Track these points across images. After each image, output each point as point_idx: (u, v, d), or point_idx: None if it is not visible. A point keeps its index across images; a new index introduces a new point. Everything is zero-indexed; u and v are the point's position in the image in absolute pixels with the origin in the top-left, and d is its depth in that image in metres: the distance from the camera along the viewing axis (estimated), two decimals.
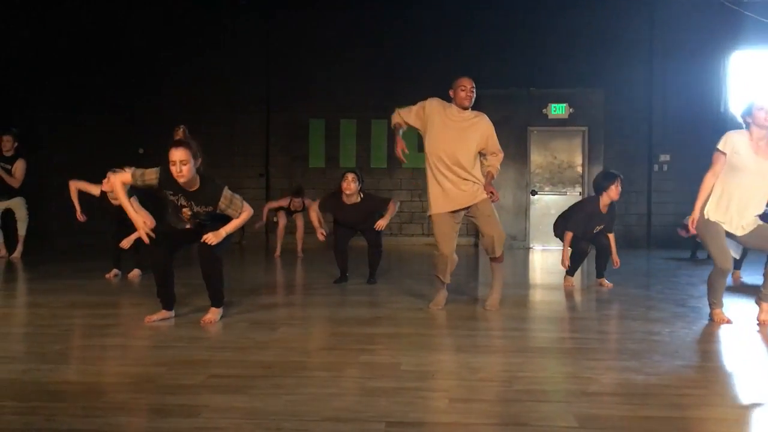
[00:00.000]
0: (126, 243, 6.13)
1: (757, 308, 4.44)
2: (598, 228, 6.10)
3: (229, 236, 4.14)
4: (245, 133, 11.87)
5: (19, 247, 8.01)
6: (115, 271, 6.44)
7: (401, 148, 4.72)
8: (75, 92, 11.22)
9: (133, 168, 4.15)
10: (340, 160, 11.72)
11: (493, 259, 4.87)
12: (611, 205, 6.09)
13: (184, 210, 4.09)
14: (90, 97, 11.25)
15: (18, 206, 8.02)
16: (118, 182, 4.09)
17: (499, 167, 4.82)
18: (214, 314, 4.26)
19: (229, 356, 3.38)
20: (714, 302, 4.41)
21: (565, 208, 6.53)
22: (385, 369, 3.13)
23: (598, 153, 11.22)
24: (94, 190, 6.38)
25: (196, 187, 4.02)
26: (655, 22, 11.39)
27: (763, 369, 3.34)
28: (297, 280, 6.98)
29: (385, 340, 3.82)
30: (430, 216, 4.81)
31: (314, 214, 6.32)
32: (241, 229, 4.28)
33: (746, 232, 4.27)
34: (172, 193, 4.02)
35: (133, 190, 4.19)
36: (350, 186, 6.03)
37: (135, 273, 6.45)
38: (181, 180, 3.91)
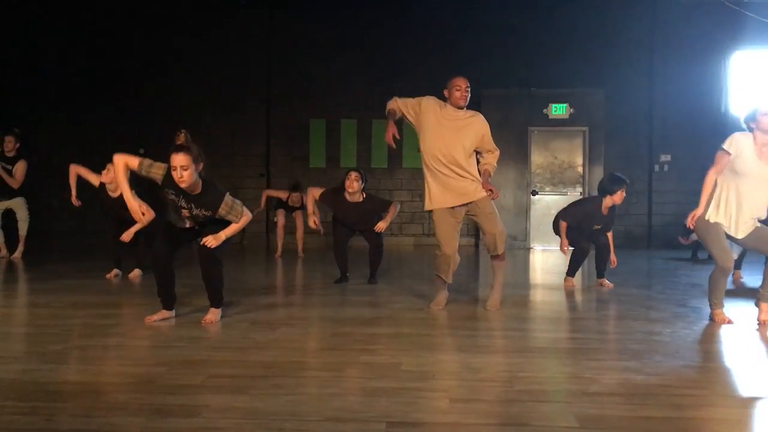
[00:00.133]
0: (126, 236, 6.12)
1: (757, 309, 4.44)
2: (596, 227, 6.11)
3: (228, 238, 4.14)
4: (246, 133, 11.87)
5: (20, 247, 8.01)
6: (115, 271, 6.44)
7: (393, 132, 4.70)
8: (75, 93, 11.23)
9: (141, 157, 4.09)
10: (341, 160, 11.73)
11: (494, 258, 4.87)
12: (612, 207, 6.10)
13: (184, 211, 4.09)
14: (91, 98, 11.25)
15: (19, 206, 8.02)
16: (121, 163, 3.98)
17: (495, 164, 4.86)
18: (214, 314, 4.26)
19: (230, 356, 3.38)
20: (715, 302, 4.41)
21: None
22: (386, 369, 3.13)
23: (599, 153, 11.21)
24: (94, 179, 6.38)
25: (198, 191, 4.02)
26: (656, 22, 11.39)
27: (764, 369, 3.34)
28: (297, 281, 6.98)
29: (385, 340, 3.82)
30: (431, 215, 4.81)
31: (311, 200, 6.28)
32: (242, 230, 4.29)
33: (746, 234, 4.28)
34: (173, 193, 4.02)
35: (132, 184, 4.16)
36: (353, 185, 6.04)
37: (135, 273, 6.45)
38: (182, 185, 3.91)
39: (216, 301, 4.29)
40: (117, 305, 4.98)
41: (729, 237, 4.33)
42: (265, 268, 8.34)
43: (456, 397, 2.73)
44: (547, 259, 9.43)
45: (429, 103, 4.76)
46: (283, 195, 9.18)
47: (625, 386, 2.90)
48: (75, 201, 6.65)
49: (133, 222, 5.94)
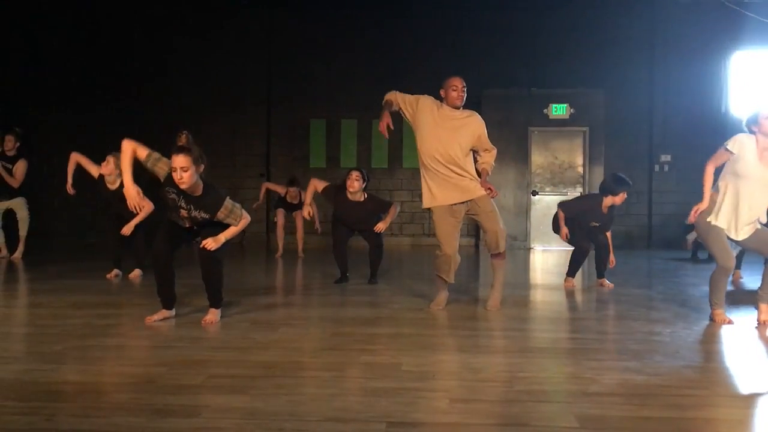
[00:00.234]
0: (127, 229, 6.15)
1: (756, 309, 4.44)
2: (593, 224, 6.12)
3: (228, 240, 4.15)
4: (246, 133, 11.87)
5: (21, 248, 8.00)
6: (115, 271, 6.44)
7: (387, 122, 4.68)
8: (75, 93, 11.23)
9: (150, 150, 4.08)
10: (341, 160, 11.73)
11: (495, 256, 4.87)
12: (612, 207, 6.13)
13: (182, 211, 4.09)
14: (91, 98, 11.26)
15: (19, 206, 8.02)
16: (129, 148, 3.98)
17: (493, 163, 4.87)
18: (213, 315, 4.26)
19: (230, 356, 3.38)
20: (716, 302, 4.41)
21: None
22: (386, 369, 3.13)
23: (599, 153, 11.21)
24: (94, 170, 6.38)
25: (199, 193, 4.03)
26: (656, 22, 11.40)
27: (764, 369, 3.34)
28: (297, 281, 6.98)
29: (385, 340, 3.82)
30: (431, 215, 4.81)
31: (312, 190, 6.20)
32: (242, 230, 4.29)
33: (746, 236, 4.29)
34: (174, 192, 4.02)
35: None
36: (353, 184, 6.04)
37: (136, 273, 6.45)
38: (182, 186, 3.92)
39: (215, 302, 4.29)
40: (117, 305, 4.98)
41: (729, 238, 4.34)
42: (266, 268, 8.34)
43: (456, 398, 2.73)
44: (547, 260, 9.43)
45: (426, 102, 4.76)
46: (281, 189, 9.19)
47: (625, 386, 2.90)
48: (70, 189, 6.62)
49: (131, 217, 5.97)
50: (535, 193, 11.43)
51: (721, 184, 4.32)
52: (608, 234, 6.25)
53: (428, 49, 11.34)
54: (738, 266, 6.73)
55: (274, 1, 11.57)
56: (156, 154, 4.03)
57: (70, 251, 9.06)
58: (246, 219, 4.16)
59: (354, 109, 11.59)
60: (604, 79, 11.25)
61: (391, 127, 4.68)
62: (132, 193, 4.02)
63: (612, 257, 6.25)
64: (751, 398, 2.84)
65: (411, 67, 11.12)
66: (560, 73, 11.28)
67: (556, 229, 6.28)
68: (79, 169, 6.53)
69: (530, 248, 11.31)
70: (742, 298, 5.46)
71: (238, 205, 4.15)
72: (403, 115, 4.84)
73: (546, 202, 11.33)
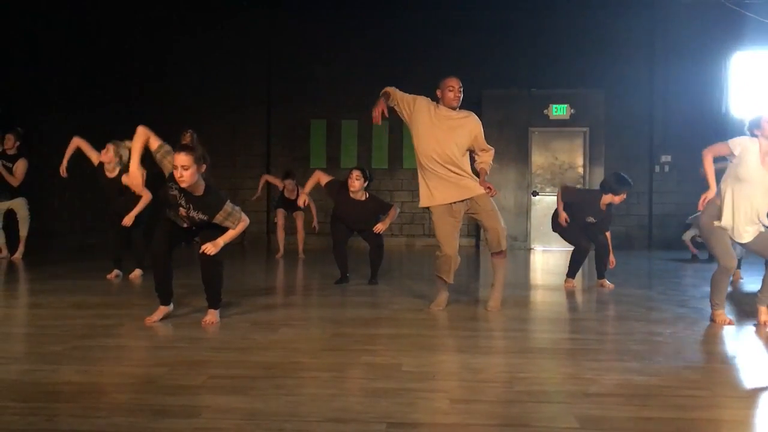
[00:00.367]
0: (128, 220, 6.19)
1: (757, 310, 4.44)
2: (589, 219, 6.11)
3: (227, 244, 4.16)
4: (246, 133, 11.88)
5: (21, 248, 8.00)
6: (116, 271, 6.44)
7: (382, 109, 4.67)
8: (75, 93, 11.23)
9: (163, 142, 4.11)
10: (342, 160, 11.73)
11: (496, 255, 4.86)
12: (609, 205, 6.13)
13: (181, 210, 4.09)
14: (91, 98, 11.25)
15: (20, 207, 8.02)
16: (144, 135, 4.03)
17: (491, 162, 4.88)
18: (213, 315, 4.26)
19: (230, 357, 3.38)
20: (717, 303, 4.41)
21: None
22: (386, 370, 3.13)
23: (599, 154, 11.21)
24: (94, 157, 6.42)
25: (200, 193, 4.03)
26: (656, 22, 11.40)
27: (765, 370, 3.34)
28: (298, 281, 6.98)
29: (386, 340, 3.82)
30: (431, 215, 4.81)
31: (313, 181, 6.15)
32: (243, 231, 4.29)
33: (750, 239, 4.29)
34: (177, 188, 4.03)
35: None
36: (354, 184, 6.04)
37: (136, 273, 6.46)
38: (182, 184, 3.92)
39: (214, 302, 4.29)
40: (117, 306, 4.98)
41: (732, 242, 4.35)
42: (266, 268, 8.35)
43: (456, 398, 2.73)
44: (547, 260, 9.43)
45: (422, 103, 4.77)
46: (279, 183, 9.22)
47: (625, 387, 2.90)
48: (63, 171, 6.63)
49: (128, 211, 6.09)
50: (535, 194, 11.44)
51: (722, 187, 4.31)
52: (608, 234, 6.25)
53: (428, 49, 11.34)
54: (738, 266, 6.72)
55: (274, 1, 11.58)
56: (167, 146, 4.09)
57: (70, 251, 9.06)
58: (245, 222, 4.15)
59: (354, 109, 11.58)
60: (604, 80, 11.26)
61: (386, 114, 4.69)
62: (137, 175, 4.06)
63: (612, 257, 6.26)
64: (752, 399, 2.84)
65: (411, 67, 11.12)
66: (560, 73, 11.29)
67: (555, 228, 6.28)
68: (79, 163, 6.55)
69: (530, 249, 11.31)
70: (742, 299, 5.46)
71: (237, 208, 4.15)
72: (399, 112, 4.84)
73: (546, 203, 11.33)
